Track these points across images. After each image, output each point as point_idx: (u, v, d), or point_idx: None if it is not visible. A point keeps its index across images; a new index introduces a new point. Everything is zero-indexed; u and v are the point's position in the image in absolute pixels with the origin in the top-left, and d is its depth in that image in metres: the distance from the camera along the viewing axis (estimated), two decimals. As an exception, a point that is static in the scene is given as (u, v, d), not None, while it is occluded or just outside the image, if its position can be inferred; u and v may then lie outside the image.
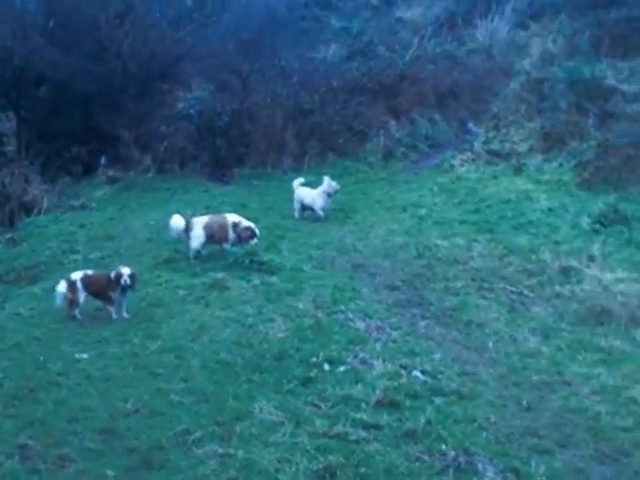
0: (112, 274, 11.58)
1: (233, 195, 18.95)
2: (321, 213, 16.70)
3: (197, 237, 13.84)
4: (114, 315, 11.61)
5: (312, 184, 17.38)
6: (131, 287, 11.57)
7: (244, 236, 13.85)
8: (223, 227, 13.94)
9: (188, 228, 13.83)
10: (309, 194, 16.86)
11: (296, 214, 16.95)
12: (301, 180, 17.05)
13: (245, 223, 13.95)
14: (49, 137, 21.09)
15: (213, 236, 13.93)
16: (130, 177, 21.20)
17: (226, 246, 13.95)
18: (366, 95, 23.45)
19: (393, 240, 15.43)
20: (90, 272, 11.90)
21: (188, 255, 13.96)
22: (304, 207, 16.91)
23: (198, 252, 13.96)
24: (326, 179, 16.65)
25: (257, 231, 13.97)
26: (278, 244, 14.57)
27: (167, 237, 14.51)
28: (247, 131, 22.40)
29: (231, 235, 13.92)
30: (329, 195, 16.66)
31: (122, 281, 11.43)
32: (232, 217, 14.07)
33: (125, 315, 11.62)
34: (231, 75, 23.49)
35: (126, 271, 11.50)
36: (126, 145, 21.64)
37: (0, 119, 22.72)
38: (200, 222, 13.91)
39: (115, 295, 11.63)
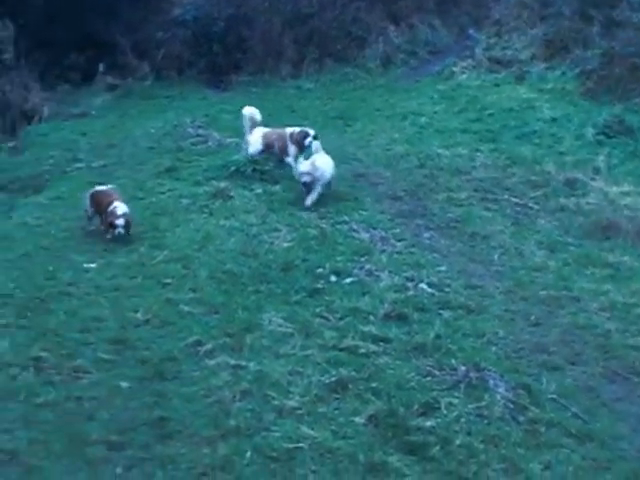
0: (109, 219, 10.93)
1: (231, 102, 18.63)
2: None
3: (254, 143, 13.63)
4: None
5: (311, 91, 17.21)
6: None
7: (299, 138, 13.24)
8: (282, 138, 13.48)
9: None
10: None
11: None
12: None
13: (297, 129, 13.46)
14: (47, 44, 20.59)
15: (271, 145, 13.60)
16: (128, 84, 21.02)
17: (289, 160, 13.39)
18: (365, 0, 23.13)
19: (394, 149, 15.28)
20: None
21: (191, 164, 14.00)
22: None
23: (252, 157, 13.62)
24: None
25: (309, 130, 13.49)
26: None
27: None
28: (244, 37, 22.15)
29: (291, 147, 13.36)
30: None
31: (116, 232, 10.91)
32: (289, 128, 13.61)
33: None
34: (227, -21, 23.04)
35: (120, 222, 10.87)
36: (123, 52, 21.44)
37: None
38: (261, 130, 13.69)
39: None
